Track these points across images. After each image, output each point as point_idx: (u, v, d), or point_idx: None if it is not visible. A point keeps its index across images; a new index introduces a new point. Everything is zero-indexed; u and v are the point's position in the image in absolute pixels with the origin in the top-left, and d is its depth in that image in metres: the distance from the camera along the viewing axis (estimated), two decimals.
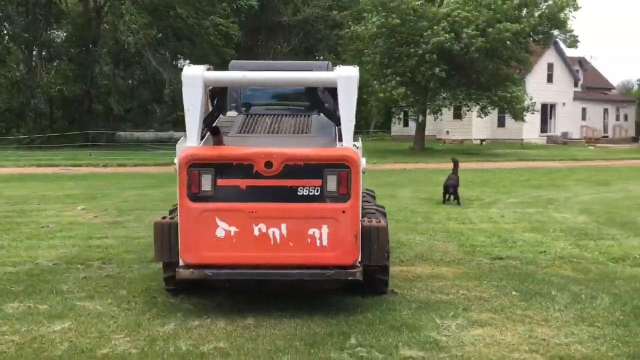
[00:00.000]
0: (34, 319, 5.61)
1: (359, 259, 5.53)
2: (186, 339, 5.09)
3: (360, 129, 61.51)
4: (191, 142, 5.64)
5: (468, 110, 36.45)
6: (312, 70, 6.54)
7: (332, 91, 5.99)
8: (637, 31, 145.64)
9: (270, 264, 5.50)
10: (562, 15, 30.21)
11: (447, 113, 41.57)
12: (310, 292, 6.23)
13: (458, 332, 5.21)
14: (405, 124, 52.24)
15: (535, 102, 34.79)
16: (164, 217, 5.90)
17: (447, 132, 46.50)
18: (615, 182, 18.86)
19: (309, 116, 6.77)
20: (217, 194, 5.47)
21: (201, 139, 5.75)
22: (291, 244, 5.47)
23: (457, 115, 42.74)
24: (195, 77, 5.70)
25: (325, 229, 5.45)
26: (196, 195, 5.47)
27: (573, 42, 40.51)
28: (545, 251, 8.49)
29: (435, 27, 30.10)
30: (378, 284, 6.17)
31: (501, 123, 44.59)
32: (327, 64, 7.02)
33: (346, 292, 6.23)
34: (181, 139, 5.73)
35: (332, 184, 5.45)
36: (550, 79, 45.84)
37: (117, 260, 7.97)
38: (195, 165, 5.45)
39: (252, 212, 5.47)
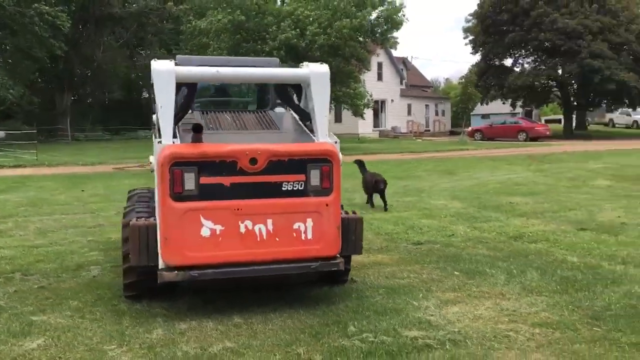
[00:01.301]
0: None
1: (340, 250, 5.74)
2: (187, 343, 4.96)
3: None
4: (166, 140, 5.44)
5: None
6: (259, 67, 6.60)
7: (297, 87, 6.13)
8: (439, 34, 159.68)
9: (257, 260, 5.51)
10: (397, 17, 32.34)
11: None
12: (273, 286, 6.30)
13: (439, 311, 5.65)
14: None
15: (373, 99, 36.93)
16: (138, 219, 5.61)
17: None
18: (459, 172, 20.75)
19: (264, 112, 6.80)
20: (201, 193, 5.36)
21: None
22: (277, 239, 5.52)
23: None
24: (167, 72, 5.51)
25: (309, 223, 5.59)
26: (179, 195, 5.31)
27: (393, 43, 42.97)
28: (453, 234, 9.31)
29: (281, 24, 30.70)
30: (343, 273, 6.42)
31: (338, 119, 46.69)
32: (276, 61, 7.08)
33: (308, 284, 6.41)
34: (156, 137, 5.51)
35: (315, 178, 5.59)
36: (380, 77, 48.87)
37: (36, 271, 7.34)
38: (178, 164, 5.28)
39: (237, 209, 5.43)
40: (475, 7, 49.08)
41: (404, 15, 32.66)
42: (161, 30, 49.24)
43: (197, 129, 5.41)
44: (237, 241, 5.44)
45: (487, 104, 52.55)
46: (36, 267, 7.57)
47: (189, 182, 5.33)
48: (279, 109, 6.90)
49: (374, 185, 11.86)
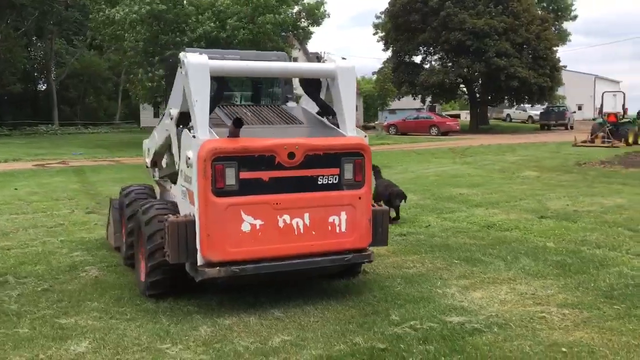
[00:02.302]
0: (33, 343, 4.83)
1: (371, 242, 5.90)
2: (241, 337, 4.95)
3: (102, 121, 58.31)
4: (203, 135, 5.37)
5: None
6: (271, 60, 6.63)
7: (316, 82, 6.22)
8: (346, 28, 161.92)
9: (294, 254, 5.55)
10: (318, 12, 32.65)
11: None
12: (298, 280, 6.36)
13: (466, 297, 5.94)
14: (156, 115, 51.07)
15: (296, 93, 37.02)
16: (176, 216, 5.48)
17: None
18: (394, 165, 21.34)
19: (278, 106, 6.80)
20: (240, 188, 5.33)
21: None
22: (314, 232, 5.60)
23: None
24: (202, 65, 5.43)
25: (343, 216, 5.70)
26: (221, 190, 5.26)
27: (307, 35, 43.09)
28: (429, 225, 9.69)
29: (200, 16, 30.17)
30: (358, 265, 6.57)
31: None
32: (285, 55, 7.08)
33: (324, 277, 6.52)
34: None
35: (348, 172, 5.71)
36: None
37: (27, 274, 7.00)
38: (219, 159, 5.23)
39: (276, 203, 5.45)
40: (387, 5, 50.23)
41: (325, 10, 33.01)
42: (66, 19, 46.86)
43: (238, 124, 5.36)
44: (276, 235, 5.46)
45: (399, 99, 54.10)
46: (24, 269, 7.19)
47: (230, 177, 5.29)
48: (291, 104, 6.93)
49: (389, 200, 9.67)
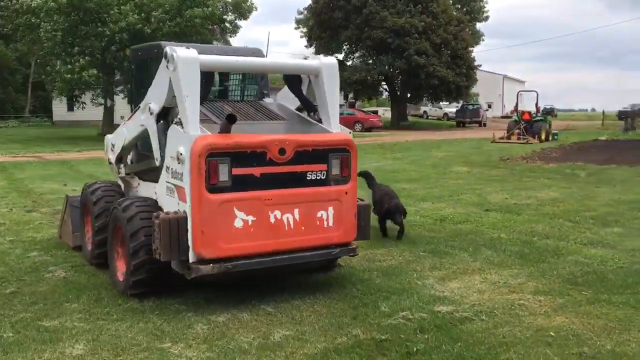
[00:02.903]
0: (24, 347, 4.64)
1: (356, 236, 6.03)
2: (240, 334, 4.94)
3: (8, 114, 55.23)
4: (194, 131, 5.31)
5: None
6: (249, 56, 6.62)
7: (296, 79, 6.28)
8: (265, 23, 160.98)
9: (285, 249, 5.59)
10: (246, 5, 32.43)
11: (122, 98, 40.56)
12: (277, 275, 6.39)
13: (445, 287, 6.18)
14: (70, 109, 49.05)
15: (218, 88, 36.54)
16: (167, 213, 5.37)
17: (123, 117, 45.28)
18: None
19: (256, 102, 6.77)
20: (233, 184, 5.32)
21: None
22: (303, 228, 5.66)
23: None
24: (192, 59, 5.37)
25: (331, 211, 5.80)
26: (214, 186, 5.23)
27: (233, 30, 43.03)
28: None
29: (123, 7, 29.24)
30: (335, 259, 6.68)
31: None
32: (261, 51, 7.04)
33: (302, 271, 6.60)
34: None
35: (336, 167, 5.81)
36: None
37: None
38: (213, 155, 5.20)
39: (268, 199, 5.47)
40: (310, 2, 50.50)
41: (252, 4, 32.82)
42: None
43: (232, 120, 5.33)
44: (267, 231, 5.49)
45: None
46: None
47: (223, 173, 5.27)
48: (268, 100, 6.92)
49: (386, 212, 8.47)
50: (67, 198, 8.10)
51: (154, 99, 5.98)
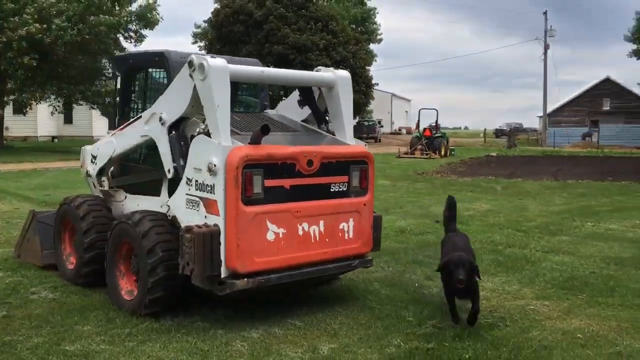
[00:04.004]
0: None
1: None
2: (286, 349, 4.84)
3: None
4: (226, 141, 5.16)
5: (49, 105, 34.22)
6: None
7: (311, 91, 6.29)
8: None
9: (311, 261, 5.55)
10: (151, 15, 31.53)
11: (8, 108, 37.99)
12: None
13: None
14: None
15: None
16: (198, 226, 5.13)
17: (7, 129, 42.33)
18: None
19: (260, 113, 6.66)
20: (266, 196, 5.22)
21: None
22: (327, 240, 5.65)
23: (19, 110, 39.57)
24: (224, 69, 5.23)
25: (351, 222, 5.83)
26: (249, 199, 5.10)
27: (139, 38, 41.37)
28: None
29: (24, 16, 27.45)
30: None
31: (68, 119, 43.22)
32: (258, 62, 6.90)
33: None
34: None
35: (355, 179, 5.85)
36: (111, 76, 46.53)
37: None
38: (249, 167, 5.08)
39: (297, 211, 5.42)
40: (210, 16, 49.95)
41: (158, 14, 31.98)
42: None
43: (265, 130, 5.23)
44: (296, 244, 5.42)
45: None
46: None
47: (257, 184, 5.16)
48: (271, 111, 6.82)
49: (442, 270, 5.56)
50: (32, 214, 7.51)
51: (166, 108, 5.73)
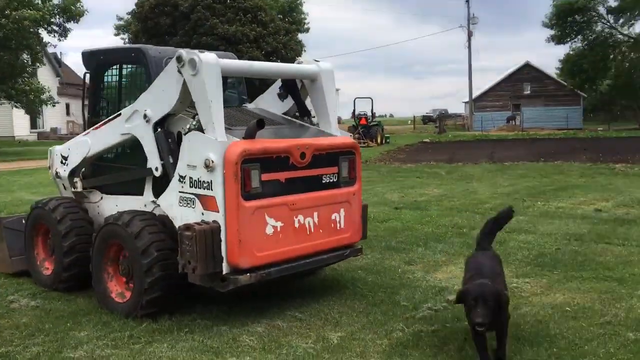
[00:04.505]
0: None
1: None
2: (296, 340, 4.87)
3: None
4: (221, 137, 5.12)
5: None
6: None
7: (292, 83, 6.30)
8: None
9: (307, 253, 5.59)
10: (75, 8, 30.38)
11: None
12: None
13: (437, 279, 6.57)
14: None
15: (51, 95, 33.67)
16: (198, 223, 5.05)
17: None
18: None
19: (240, 107, 6.59)
20: (264, 190, 5.22)
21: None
22: (321, 231, 5.70)
23: None
24: (215, 64, 5.18)
25: (342, 213, 5.90)
26: (248, 193, 5.09)
27: (64, 32, 39.23)
28: None
29: None
30: None
31: None
32: (233, 55, 6.81)
33: None
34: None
35: (344, 170, 5.93)
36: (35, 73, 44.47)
37: None
38: (247, 162, 5.06)
39: (292, 204, 5.44)
40: (134, 7, 48.49)
41: (82, 6, 30.85)
42: None
43: (261, 125, 5.21)
44: (292, 236, 5.45)
45: None
46: None
47: (255, 179, 5.15)
48: (251, 105, 6.76)
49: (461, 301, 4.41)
50: (0, 220, 7.17)
51: (151, 105, 5.60)
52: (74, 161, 6.60)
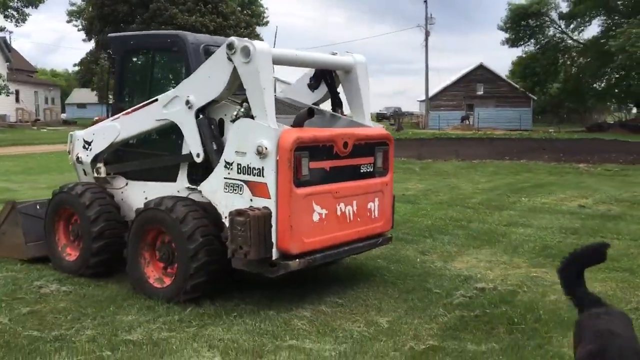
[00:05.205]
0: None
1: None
2: (347, 324, 5.00)
3: None
4: (272, 124, 5.18)
5: None
6: None
7: (328, 74, 6.40)
8: None
9: (347, 240, 5.72)
10: None
11: None
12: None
13: (458, 268, 6.79)
14: None
15: (6, 84, 32.51)
16: (251, 209, 5.10)
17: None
18: None
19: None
20: (311, 178, 5.31)
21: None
22: (359, 219, 5.84)
23: None
24: (268, 53, 5.25)
25: (376, 202, 6.05)
26: (299, 181, 5.18)
27: (22, 17, 38.32)
28: None
29: None
30: None
31: None
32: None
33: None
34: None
35: (379, 160, 6.08)
36: None
37: None
38: (299, 149, 5.15)
39: (336, 192, 5.56)
40: None
41: None
42: None
43: (311, 113, 5.30)
44: (335, 224, 5.57)
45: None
46: None
47: (305, 167, 5.24)
48: (281, 95, 6.80)
49: None
50: (11, 205, 6.99)
51: (195, 91, 5.60)
52: (99, 146, 6.51)
